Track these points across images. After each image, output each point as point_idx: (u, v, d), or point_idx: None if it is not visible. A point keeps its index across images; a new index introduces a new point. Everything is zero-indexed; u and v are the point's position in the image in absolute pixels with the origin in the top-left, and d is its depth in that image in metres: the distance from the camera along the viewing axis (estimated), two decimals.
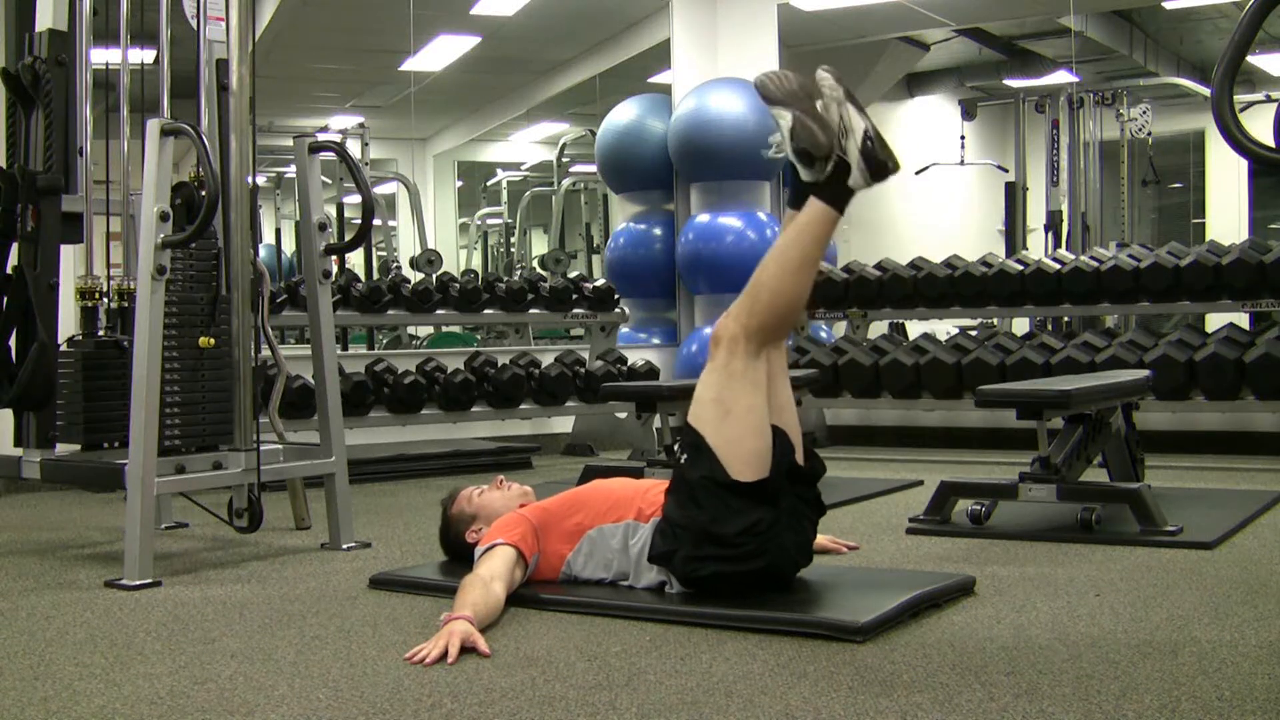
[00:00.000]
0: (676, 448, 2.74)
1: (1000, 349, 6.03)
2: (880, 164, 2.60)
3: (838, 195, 2.64)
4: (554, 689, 2.12)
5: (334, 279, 4.95)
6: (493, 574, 2.65)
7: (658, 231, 7.37)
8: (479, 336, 8.43)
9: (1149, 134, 9.50)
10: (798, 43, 8.41)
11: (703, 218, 7.01)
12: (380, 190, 9.37)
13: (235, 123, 3.55)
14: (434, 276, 6.35)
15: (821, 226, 2.65)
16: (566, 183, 10.17)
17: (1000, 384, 5.07)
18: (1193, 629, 2.45)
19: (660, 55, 7.62)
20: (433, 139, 10.25)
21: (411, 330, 8.38)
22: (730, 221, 6.93)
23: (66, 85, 3.67)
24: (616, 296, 6.65)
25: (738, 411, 2.62)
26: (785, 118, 2.63)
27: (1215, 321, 7.07)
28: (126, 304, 3.71)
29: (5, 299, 3.58)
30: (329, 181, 7.59)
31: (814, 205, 2.65)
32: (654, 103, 7.36)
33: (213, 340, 3.52)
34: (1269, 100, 9.93)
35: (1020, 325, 7.98)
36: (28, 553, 3.73)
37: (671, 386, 4.80)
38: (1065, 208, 9.12)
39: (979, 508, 3.74)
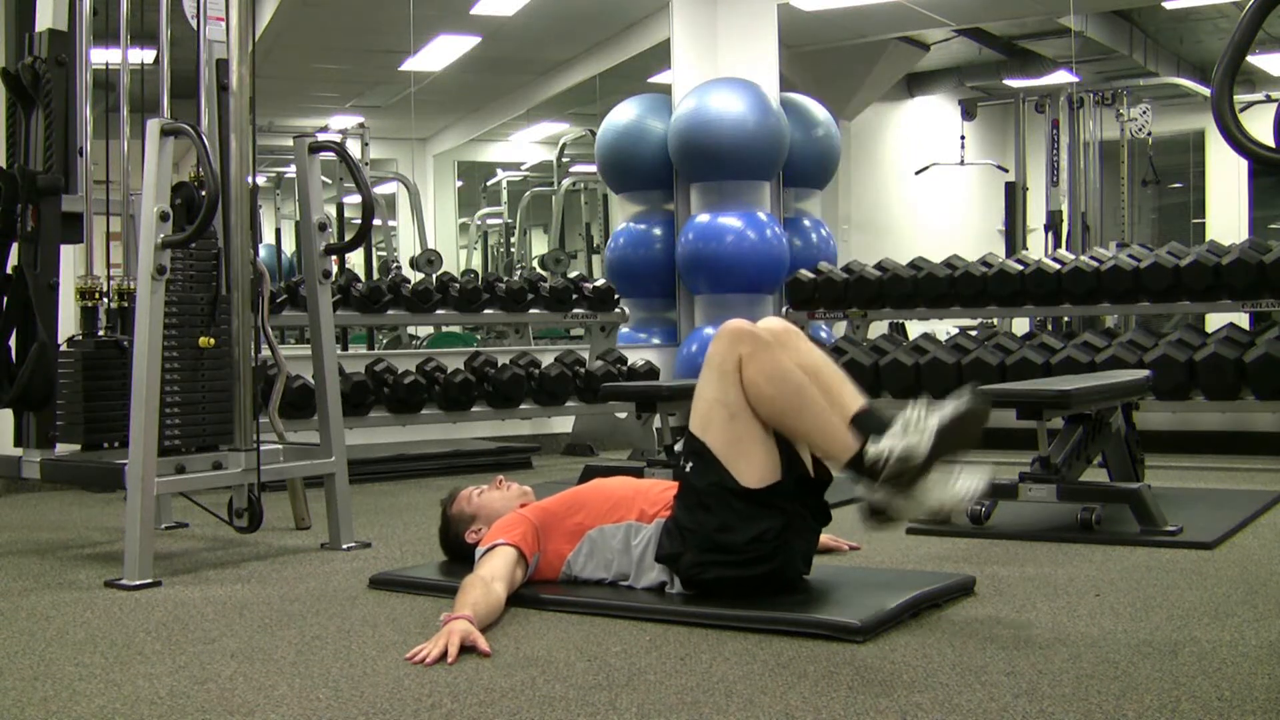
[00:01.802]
0: (680, 457, 2.72)
1: (1000, 349, 6.04)
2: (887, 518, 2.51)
3: (862, 472, 2.51)
4: (554, 689, 2.12)
5: (334, 279, 4.95)
6: (493, 574, 2.65)
7: (658, 231, 7.37)
8: (479, 336, 8.43)
9: (1149, 134, 9.50)
10: (798, 43, 8.42)
11: (703, 218, 7.01)
12: (380, 190, 9.37)
13: (235, 123, 3.55)
14: (434, 276, 6.35)
15: (835, 446, 2.55)
16: (566, 183, 10.18)
17: (1000, 384, 5.07)
18: (1193, 629, 2.45)
19: (660, 55, 7.62)
20: (433, 139, 10.25)
21: (411, 330, 8.38)
22: (730, 221, 6.93)
23: (66, 85, 3.67)
24: (616, 296, 6.65)
25: (743, 415, 2.61)
26: (929, 435, 2.45)
27: (1215, 321, 7.07)
28: (126, 304, 3.71)
29: (5, 299, 3.58)
30: (329, 181, 7.60)
31: (847, 443, 2.54)
32: (654, 103, 7.36)
33: (213, 340, 3.52)
34: (1269, 100, 9.93)
35: (1020, 325, 7.99)
36: (28, 553, 3.73)
37: (671, 386, 4.80)
38: (1065, 208, 9.12)
39: (979, 508, 3.74)
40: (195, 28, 3.68)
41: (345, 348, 7.60)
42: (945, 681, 2.11)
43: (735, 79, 7.10)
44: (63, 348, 3.67)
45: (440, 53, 8.66)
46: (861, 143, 10.24)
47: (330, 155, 3.84)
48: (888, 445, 2.47)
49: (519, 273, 9.95)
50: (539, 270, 9.31)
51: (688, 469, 2.67)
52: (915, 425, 2.46)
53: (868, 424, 2.55)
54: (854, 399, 2.62)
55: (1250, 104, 9.51)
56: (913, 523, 2.52)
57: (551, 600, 2.73)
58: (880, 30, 8.89)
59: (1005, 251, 8.95)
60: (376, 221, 8.55)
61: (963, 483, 2.46)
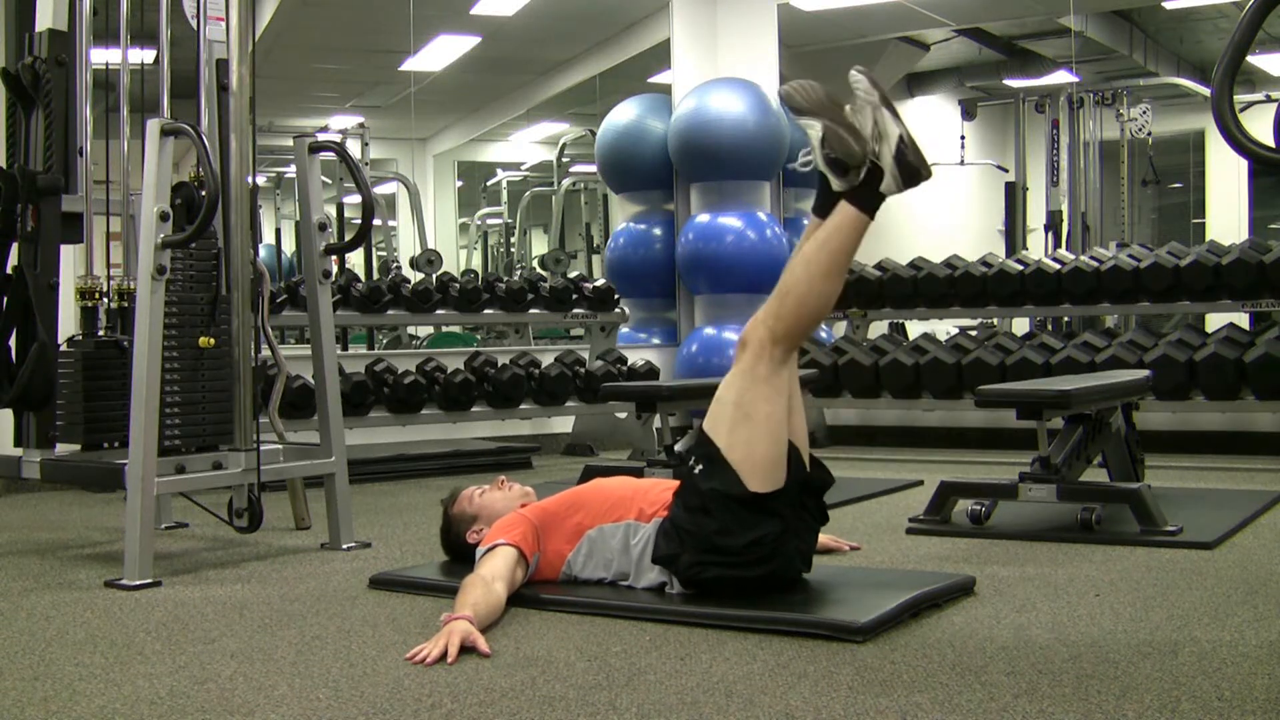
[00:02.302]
0: (690, 458, 2.72)
1: (1000, 349, 6.04)
2: (914, 170, 2.60)
3: (869, 201, 2.64)
4: (554, 689, 2.12)
5: (334, 279, 4.95)
6: (494, 574, 2.65)
7: (658, 231, 7.37)
8: (479, 336, 8.43)
9: (1149, 134, 9.50)
10: (798, 43, 8.42)
11: (703, 218, 7.01)
12: (380, 190, 9.37)
13: (235, 123, 3.55)
14: (434, 276, 6.35)
15: (852, 232, 2.65)
16: (566, 183, 10.17)
17: (1000, 384, 5.07)
18: (1193, 629, 2.45)
19: (660, 55, 7.62)
20: (433, 139, 10.25)
21: (411, 330, 8.38)
22: (730, 221, 6.92)
23: (66, 85, 3.67)
24: (616, 296, 6.65)
25: (758, 418, 2.61)
26: (815, 127, 2.62)
27: (1215, 321, 7.07)
28: (126, 304, 3.71)
29: (5, 299, 3.58)
30: (329, 181, 7.60)
31: (845, 211, 2.64)
32: (654, 103, 7.35)
33: (213, 340, 3.52)
34: (1269, 100, 9.93)
35: (1020, 325, 7.98)
36: (28, 553, 3.73)
37: (671, 386, 4.80)
38: (1065, 208, 9.12)
39: (979, 508, 3.74)
40: (195, 28, 3.68)
41: (345, 348, 7.59)
42: (945, 681, 2.12)
43: (735, 79, 7.09)
44: (63, 348, 3.67)
45: (440, 53, 8.66)
46: None
47: (330, 155, 3.84)
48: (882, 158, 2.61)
49: (519, 273, 9.95)
50: (539, 270, 9.31)
51: (696, 470, 2.67)
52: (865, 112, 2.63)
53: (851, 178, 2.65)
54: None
55: (1250, 104, 9.51)
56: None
57: (551, 600, 2.73)
58: (880, 30, 8.89)
59: (1005, 251, 8.95)
60: (376, 221, 8.55)
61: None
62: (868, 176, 2.61)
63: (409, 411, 5.64)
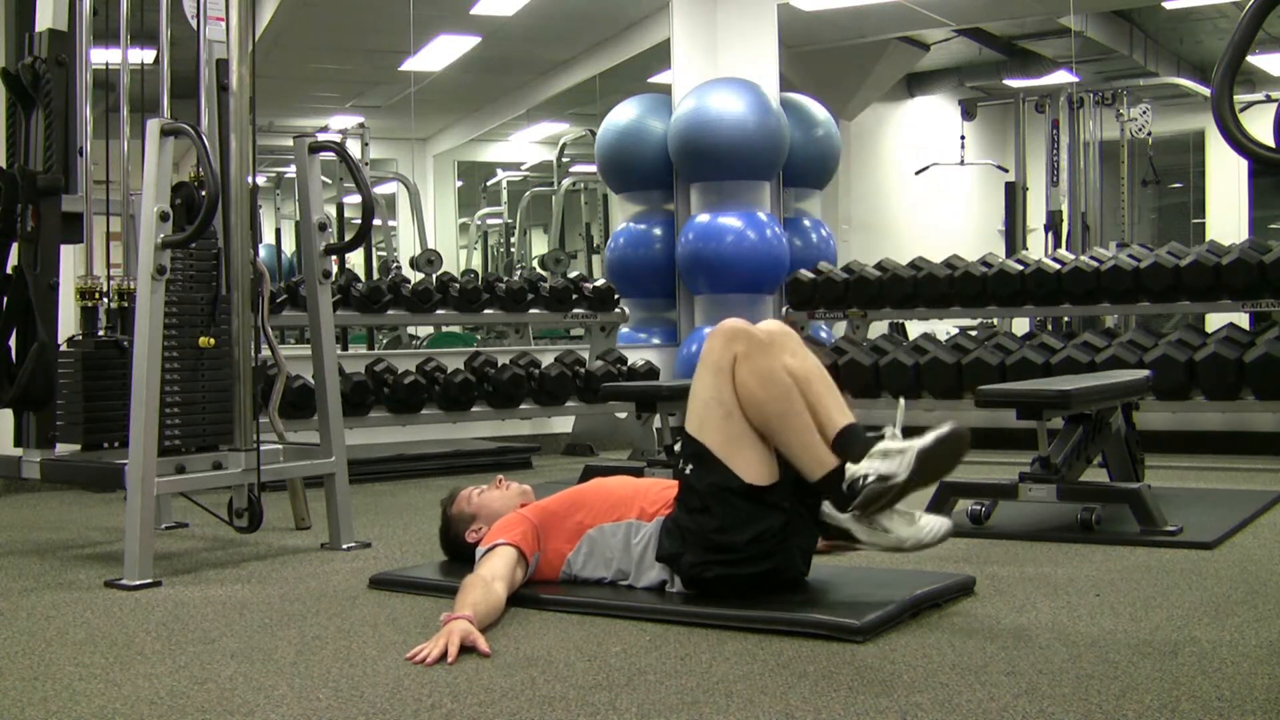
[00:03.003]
0: (680, 460, 2.72)
1: (1000, 349, 6.04)
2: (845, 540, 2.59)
3: (837, 496, 2.58)
4: (554, 689, 2.12)
5: (334, 279, 4.95)
6: (494, 574, 2.65)
7: (658, 231, 7.37)
8: (479, 336, 8.43)
9: (1149, 134, 9.50)
10: (798, 43, 8.42)
11: (703, 218, 7.01)
12: (380, 190, 9.37)
13: (235, 123, 3.55)
14: (434, 276, 6.35)
15: (813, 463, 2.59)
16: (566, 183, 10.18)
17: (1000, 384, 5.07)
18: (1193, 629, 2.45)
19: (660, 55, 7.62)
20: (433, 139, 10.26)
21: (411, 330, 8.38)
22: (730, 221, 6.93)
23: (66, 85, 3.67)
24: (616, 296, 6.65)
25: (739, 413, 2.62)
26: (908, 464, 2.52)
27: (1215, 321, 7.07)
28: (126, 304, 3.71)
29: (5, 299, 3.58)
30: (329, 181, 7.59)
31: (825, 462, 2.59)
32: (654, 103, 7.36)
33: (213, 340, 3.52)
34: (1269, 100, 9.93)
35: (1020, 325, 7.99)
36: (28, 553, 3.73)
37: (671, 386, 4.80)
38: (1065, 208, 9.13)
39: (979, 508, 3.74)
40: (195, 28, 3.68)
41: (345, 348, 7.59)
42: (945, 681, 2.11)
43: (735, 79, 7.10)
44: (63, 348, 3.66)
45: (440, 53, 8.66)
46: (861, 143, 10.24)
47: (330, 155, 3.84)
48: (867, 468, 2.53)
49: (519, 273, 9.95)
50: (539, 270, 9.31)
51: (687, 471, 2.67)
52: (896, 450, 2.51)
53: (850, 444, 2.59)
54: (841, 414, 2.65)
55: (1250, 104, 9.51)
56: (867, 549, 2.60)
57: (551, 600, 2.73)
58: (880, 30, 8.89)
59: (1005, 251, 8.95)
60: (376, 221, 8.55)
61: (927, 523, 2.54)
62: (861, 500, 2.54)
63: (409, 411, 5.63)
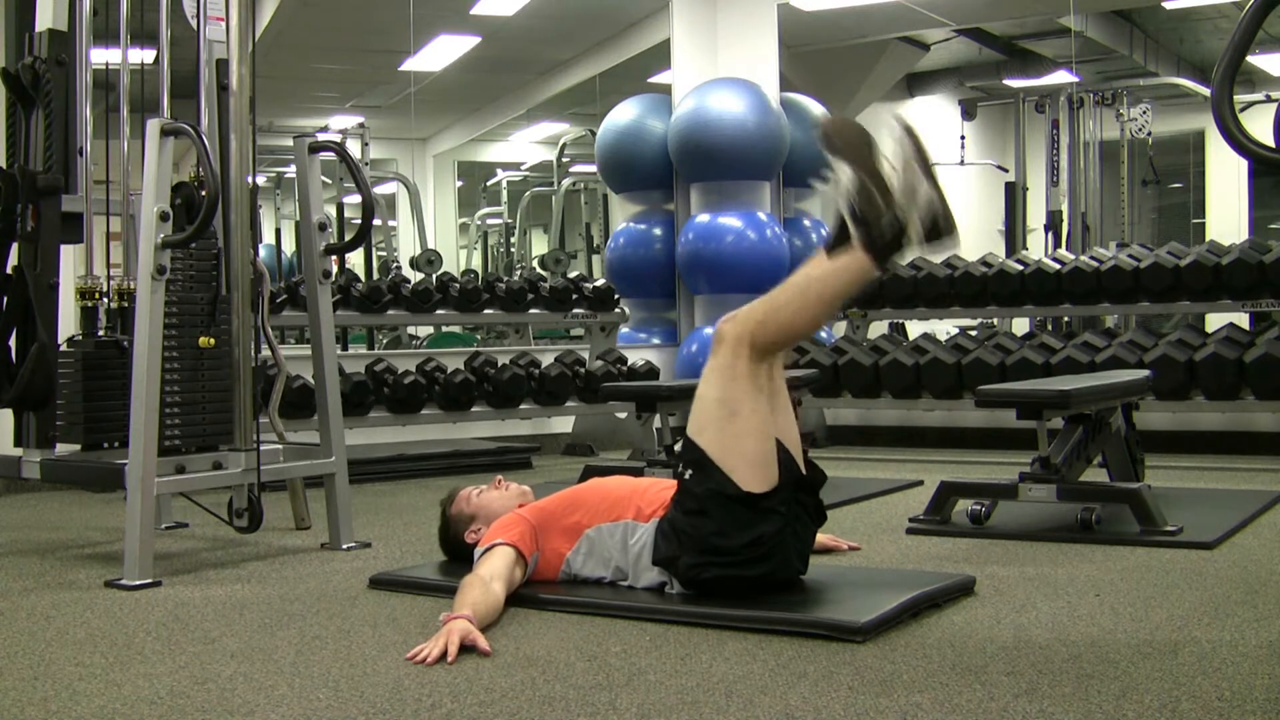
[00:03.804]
0: (679, 464, 2.72)
1: (1000, 349, 6.04)
2: (937, 233, 2.54)
3: (885, 255, 2.57)
4: (554, 689, 2.12)
5: (334, 279, 4.95)
6: (493, 574, 2.65)
7: (658, 231, 7.37)
8: (479, 336, 8.43)
9: (1149, 134, 9.50)
10: (798, 43, 8.42)
11: (703, 218, 7.01)
12: (380, 190, 9.38)
13: (235, 123, 3.55)
14: (434, 276, 6.35)
15: (858, 277, 2.59)
16: (566, 183, 10.17)
17: (1000, 384, 5.07)
18: (1193, 629, 2.45)
19: (660, 55, 7.62)
20: (433, 139, 10.26)
21: (411, 330, 8.38)
22: (730, 221, 6.92)
23: (66, 85, 3.67)
24: (616, 296, 6.65)
25: (743, 413, 2.61)
26: (845, 174, 2.55)
27: (1215, 321, 7.07)
28: (126, 304, 3.71)
29: (5, 299, 3.58)
30: (329, 181, 7.60)
31: (856, 257, 2.57)
32: (654, 103, 7.35)
33: (213, 340, 3.52)
34: (1269, 100, 9.93)
35: (1020, 325, 7.98)
36: (28, 553, 3.73)
37: (671, 386, 4.80)
38: (1065, 208, 9.13)
39: (979, 508, 3.74)
40: (195, 28, 3.68)
41: (345, 348, 7.59)
42: (945, 681, 2.12)
43: (735, 79, 7.09)
44: (63, 348, 3.66)
45: (440, 53, 8.66)
46: None
47: (330, 155, 3.84)
48: (842, 210, 2.58)
49: (519, 273, 9.95)
50: (539, 270, 9.31)
51: (686, 476, 2.67)
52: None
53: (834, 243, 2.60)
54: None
55: (1250, 104, 9.51)
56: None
57: (551, 600, 2.73)
58: (880, 30, 8.89)
59: (1005, 251, 8.95)
60: (376, 221, 8.56)
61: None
62: (890, 234, 2.54)
63: (409, 411, 5.63)
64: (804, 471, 2.71)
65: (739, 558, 2.61)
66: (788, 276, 2.70)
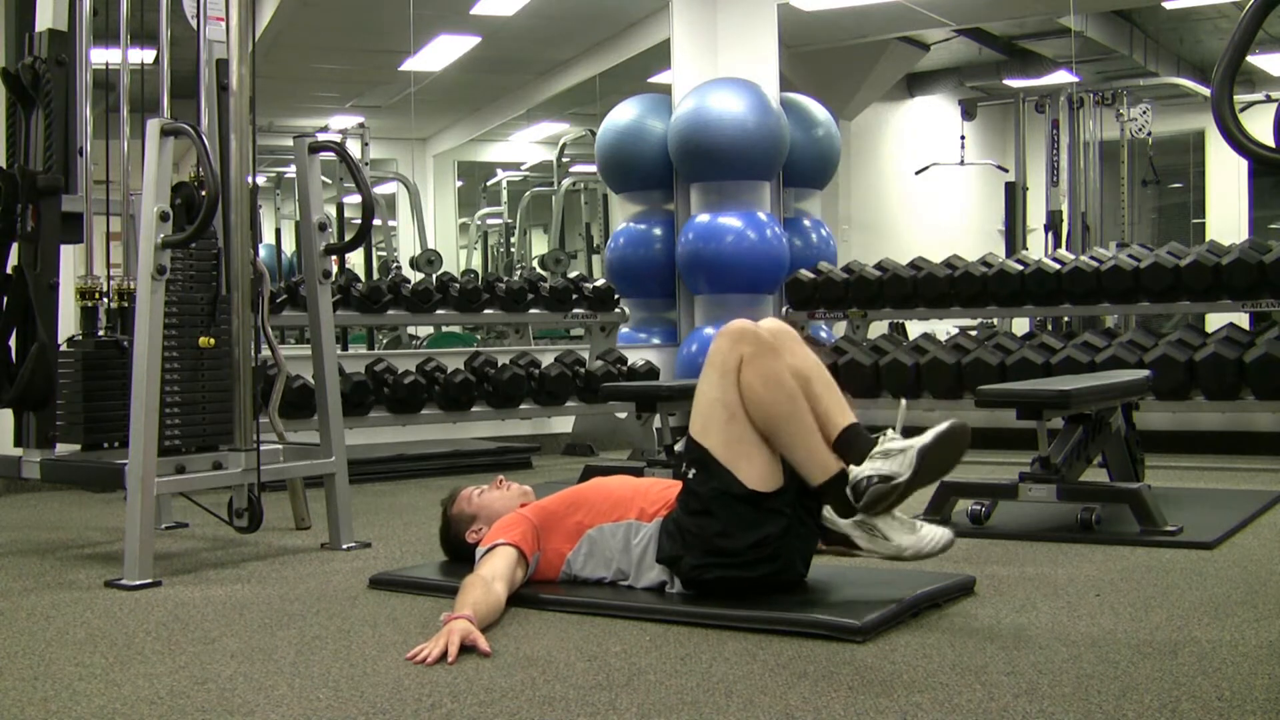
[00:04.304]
0: (683, 464, 2.72)
1: (1000, 349, 6.04)
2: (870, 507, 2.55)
3: (840, 496, 2.58)
4: (554, 689, 2.12)
5: (334, 279, 4.95)
6: (494, 574, 2.65)
7: (658, 231, 7.37)
8: (479, 336, 8.43)
9: (1149, 134, 9.50)
10: (798, 43, 8.42)
11: (703, 218, 7.01)
12: (380, 190, 9.37)
13: (235, 123, 3.55)
14: (434, 276, 6.35)
15: (816, 467, 2.59)
16: (566, 183, 10.17)
17: (1000, 384, 5.07)
18: (1193, 629, 2.45)
19: (660, 55, 7.62)
20: (433, 139, 10.26)
21: (411, 330, 8.38)
22: (730, 221, 6.93)
23: (66, 85, 3.67)
24: (616, 296, 6.65)
25: (742, 415, 2.61)
26: (907, 465, 2.52)
27: (1215, 321, 7.07)
28: (126, 304, 3.71)
29: (5, 299, 3.58)
30: (329, 181, 7.60)
31: (829, 465, 2.58)
32: (654, 103, 7.36)
33: (213, 340, 3.52)
34: (1269, 100, 9.93)
35: (1020, 325, 7.98)
36: (28, 553, 3.73)
37: (671, 386, 4.80)
38: (1065, 208, 9.13)
39: (979, 508, 3.74)
40: (195, 28, 3.68)
41: (345, 348, 7.59)
42: (945, 681, 2.11)
43: (735, 79, 7.09)
44: (63, 348, 3.66)
45: (440, 53, 8.66)
46: (861, 143, 10.24)
47: (330, 155, 3.84)
48: (870, 469, 2.53)
49: (519, 273, 9.95)
50: (539, 270, 9.31)
51: (690, 475, 2.66)
52: (897, 450, 2.51)
53: (851, 446, 2.59)
54: (841, 414, 2.65)
55: (1250, 104, 9.51)
56: (870, 556, 2.60)
57: (551, 600, 2.73)
58: (880, 30, 8.89)
59: (1005, 251, 8.96)
60: (376, 221, 8.56)
61: (928, 532, 2.56)
62: (865, 501, 2.54)
63: (409, 411, 5.63)
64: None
65: (743, 559, 2.61)
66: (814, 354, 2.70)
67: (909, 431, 2.60)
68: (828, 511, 2.60)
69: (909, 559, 2.58)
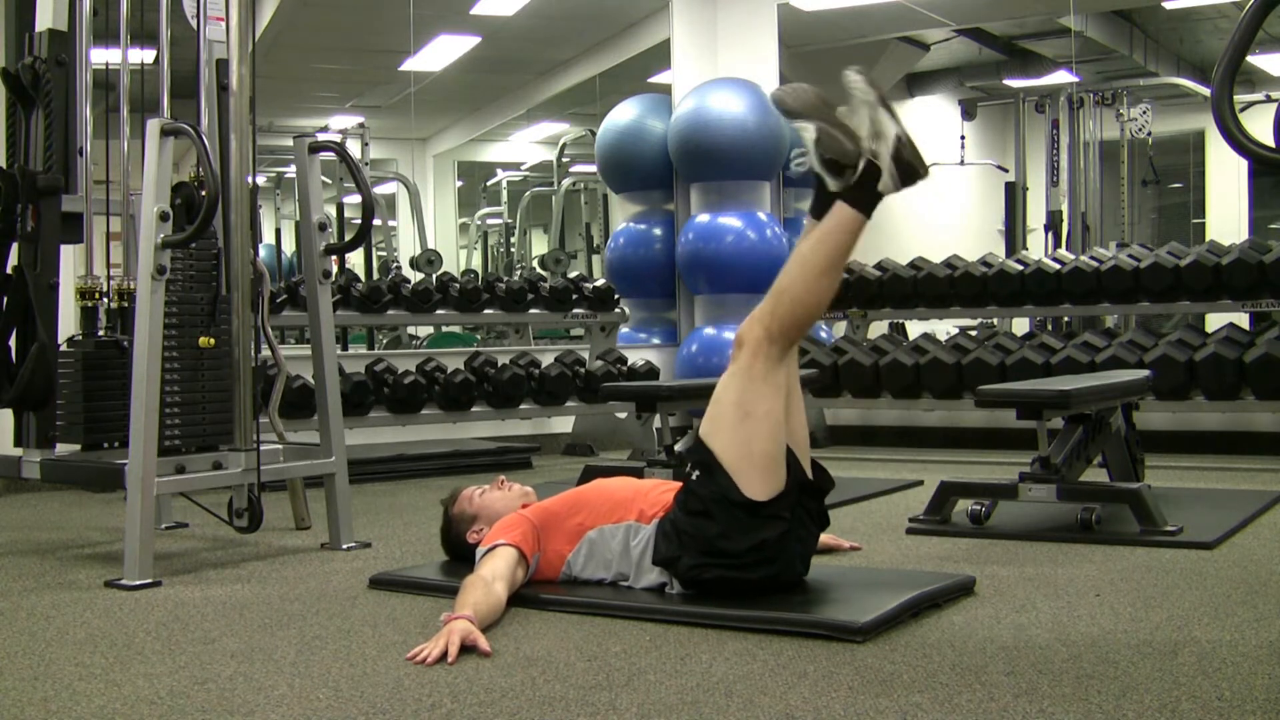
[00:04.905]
0: (687, 464, 2.72)
1: (1000, 349, 6.04)
2: (911, 168, 2.60)
3: (866, 200, 2.63)
4: (554, 689, 2.12)
5: (334, 279, 4.95)
6: (494, 574, 2.65)
7: (658, 231, 7.37)
8: (479, 336, 8.43)
9: (1149, 134, 9.50)
10: (798, 43, 8.42)
11: (703, 218, 7.01)
12: (380, 190, 9.37)
13: (235, 123, 3.55)
14: (434, 276, 6.35)
15: (849, 232, 2.64)
16: (566, 183, 10.17)
17: (1000, 384, 5.07)
18: (1193, 629, 2.45)
19: (660, 55, 7.62)
20: (433, 139, 10.25)
21: (411, 330, 8.38)
22: (730, 221, 6.92)
23: (66, 85, 3.67)
24: (616, 296, 6.65)
25: (757, 415, 2.60)
26: (809, 129, 2.61)
27: (1215, 321, 7.07)
28: (126, 304, 3.71)
29: (5, 299, 3.58)
30: (329, 181, 7.60)
31: (841, 211, 2.63)
32: (654, 103, 7.35)
33: (213, 340, 3.52)
34: (1269, 100, 9.93)
35: (1020, 325, 7.98)
36: (28, 553, 3.73)
37: (671, 386, 4.80)
38: (1065, 208, 9.12)
39: (979, 508, 3.74)
40: (195, 28, 3.68)
41: (345, 348, 7.59)
42: (945, 681, 2.12)
43: (735, 79, 7.09)
44: (63, 348, 3.66)
45: (440, 53, 8.66)
46: None
47: (330, 155, 3.84)
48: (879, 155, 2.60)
49: (519, 273, 9.95)
50: (539, 270, 9.31)
51: (693, 477, 2.67)
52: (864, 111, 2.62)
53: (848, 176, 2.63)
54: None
55: (1250, 104, 9.50)
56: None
57: (551, 600, 2.73)
58: (880, 30, 8.89)
59: (1005, 251, 8.95)
60: (376, 221, 8.56)
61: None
62: (864, 176, 2.60)
63: (409, 411, 5.63)
64: (810, 477, 2.71)
65: (741, 560, 2.61)
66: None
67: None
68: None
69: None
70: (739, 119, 6.83)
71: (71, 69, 3.69)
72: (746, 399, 2.61)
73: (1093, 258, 6.21)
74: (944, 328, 7.54)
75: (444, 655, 2.29)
